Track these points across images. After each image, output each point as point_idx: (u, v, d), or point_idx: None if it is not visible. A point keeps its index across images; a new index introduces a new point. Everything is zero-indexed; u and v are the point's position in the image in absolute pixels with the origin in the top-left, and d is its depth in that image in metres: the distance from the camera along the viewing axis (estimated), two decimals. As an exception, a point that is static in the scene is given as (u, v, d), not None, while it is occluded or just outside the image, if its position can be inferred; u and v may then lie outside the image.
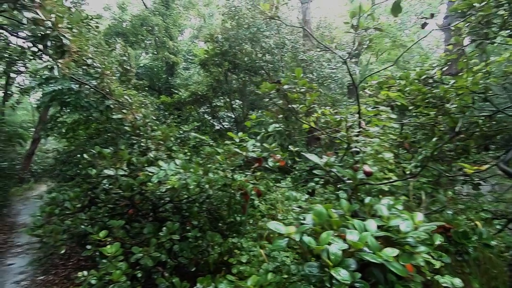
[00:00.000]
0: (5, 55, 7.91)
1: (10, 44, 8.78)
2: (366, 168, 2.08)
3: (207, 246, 3.07)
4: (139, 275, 2.81)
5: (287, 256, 3.23)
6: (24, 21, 5.14)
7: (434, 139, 3.37)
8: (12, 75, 9.80)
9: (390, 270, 1.54)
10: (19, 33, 6.57)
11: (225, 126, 10.40)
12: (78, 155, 9.05)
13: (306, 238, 1.47)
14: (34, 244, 7.16)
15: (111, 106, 5.41)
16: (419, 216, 1.83)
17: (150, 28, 11.89)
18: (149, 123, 4.46)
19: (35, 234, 3.08)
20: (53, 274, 5.48)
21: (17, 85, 12.00)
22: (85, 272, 2.47)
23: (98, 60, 4.53)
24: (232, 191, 3.29)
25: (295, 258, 3.27)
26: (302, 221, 1.74)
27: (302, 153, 3.72)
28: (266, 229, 4.10)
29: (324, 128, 3.05)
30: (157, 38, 12.71)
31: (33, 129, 20.31)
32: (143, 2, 15.74)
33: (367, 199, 2.02)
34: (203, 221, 3.43)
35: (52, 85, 11.84)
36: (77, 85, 11.96)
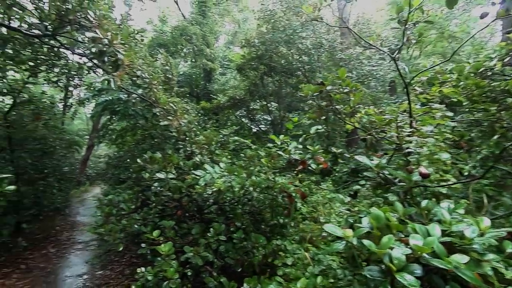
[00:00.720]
0: (65, 70, 8.81)
1: (69, 61, 9.81)
2: (422, 169, 1.96)
3: (252, 247, 3.12)
4: (189, 273, 2.94)
5: (333, 260, 3.16)
6: (80, 39, 5.75)
7: (495, 137, 3.07)
8: (70, 88, 10.87)
9: (455, 278, 1.44)
10: (76, 51, 7.31)
11: (262, 128, 10.51)
12: (128, 160, 9.79)
13: (367, 242, 1.43)
14: (92, 242, 7.88)
15: (157, 113, 5.76)
16: (486, 221, 1.68)
17: (188, 37, 12.48)
18: (193, 128, 4.68)
19: (97, 232, 3.38)
20: (109, 270, 5.97)
21: (75, 98, 13.33)
22: (143, 269, 2.66)
23: (145, 71, 4.87)
24: (274, 193, 3.32)
25: (341, 262, 3.20)
26: (357, 225, 1.69)
27: (345, 154, 3.63)
28: (308, 232, 4.06)
29: (369, 128, 2.94)
30: (195, 47, 13.27)
31: (88, 137, 22.39)
32: (182, 14, 16.59)
33: (424, 202, 1.90)
34: (246, 222, 3.49)
35: (104, 96, 12.96)
36: (125, 95, 12.94)
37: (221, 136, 6.69)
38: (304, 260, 3.11)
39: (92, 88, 14.45)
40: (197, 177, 3.01)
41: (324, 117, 3.75)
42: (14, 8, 5.25)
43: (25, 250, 6.84)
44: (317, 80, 3.78)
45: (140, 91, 4.88)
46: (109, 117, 15.76)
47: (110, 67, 3.47)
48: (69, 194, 13.44)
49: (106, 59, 3.33)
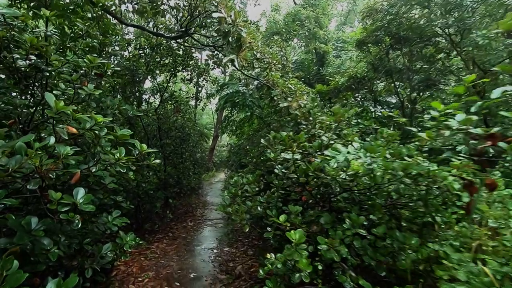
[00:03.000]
0: (196, 69, 10.01)
1: (198, 60, 11.18)
2: None
3: (398, 248, 2.45)
4: (320, 267, 2.56)
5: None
6: (203, 39, 6.26)
7: None
8: (200, 84, 12.37)
9: None
10: (204, 49, 8.04)
11: (392, 111, 9.03)
12: (247, 147, 10.45)
13: None
14: (220, 221, 8.80)
15: (275, 97, 5.63)
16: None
17: (301, 22, 12.10)
18: (315, 107, 4.26)
19: (226, 212, 3.45)
20: (235, 248, 6.39)
21: (204, 93, 15.21)
22: (273, 255, 2.47)
23: (264, 52, 4.77)
24: (430, 182, 2.50)
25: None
26: None
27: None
28: (475, 238, 3.00)
29: None
30: (308, 31, 12.78)
31: (213, 129, 25.66)
32: (294, 1, 16.35)
33: None
34: (386, 217, 2.81)
35: (225, 90, 14.25)
36: (243, 88, 13.77)
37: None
38: (483, 277, 2.21)
39: (216, 84, 16.14)
40: (327, 158, 2.56)
41: None
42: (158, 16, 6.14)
43: (171, 221, 8.21)
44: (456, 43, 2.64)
45: (257, 69, 4.80)
46: (230, 109, 17.39)
47: (234, 47, 3.46)
48: (201, 178, 15.56)
49: (230, 39, 3.32)
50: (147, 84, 12.37)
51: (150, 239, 6.67)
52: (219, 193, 15.18)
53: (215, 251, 6.30)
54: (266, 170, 5.49)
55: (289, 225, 2.72)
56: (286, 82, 5.49)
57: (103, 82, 7.21)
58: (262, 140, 3.44)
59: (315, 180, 2.88)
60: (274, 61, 4.73)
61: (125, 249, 3.30)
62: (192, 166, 10.22)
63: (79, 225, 1.84)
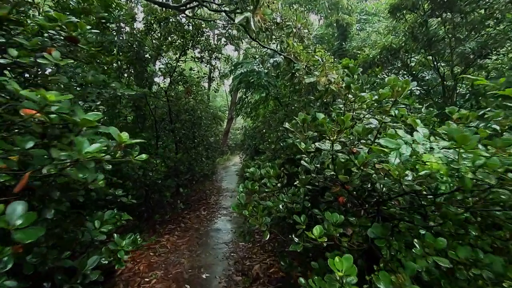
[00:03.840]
0: (207, 45, 9.18)
1: (210, 37, 10.29)
2: None
3: (491, 282, 1.69)
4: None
5: None
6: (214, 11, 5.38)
7: None
8: (213, 63, 11.54)
9: None
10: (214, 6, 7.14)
11: (424, 89, 7.93)
12: (263, 130, 9.71)
13: None
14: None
15: (297, 73, 4.79)
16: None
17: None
18: (354, 82, 3.39)
19: (242, 213, 2.78)
20: (251, 242, 5.81)
21: (217, 73, 14.38)
22: (303, 281, 1.79)
23: (285, 16, 3.89)
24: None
25: None
26: None
27: None
28: None
29: None
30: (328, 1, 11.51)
31: (227, 111, 24.94)
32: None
33: None
34: (462, 231, 2.03)
35: (239, 69, 13.34)
36: (259, 66, 12.80)
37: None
38: None
39: (230, 63, 15.23)
40: (384, 150, 1.78)
41: None
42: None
43: (184, 210, 7.74)
44: None
45: (275, 41, 3.96)
46: (244, 90, 16.52)
47: (250, 4, 2.65)
48: (215, 162, 15.06)
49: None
50: (157, 66, 11.69)
51: (161, 231, 6.20)
52: (234, 177, 14.67)
53: (229, 245, 5.75)
54: (286, 158, 4.75)
55: (326, 240, 2.00)
56: (311, 54, 4.60)
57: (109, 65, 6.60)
58: (286, 125, 2.67)
59: (360, 178, 2.11)
60: (299, 25, 3.85)
61: (119, 257, 2.72)
62: (205, 151, 9.61)
63: (10, 265, 1.20)
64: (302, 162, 2.77)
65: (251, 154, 12.74)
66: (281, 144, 4.92)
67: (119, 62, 7.12)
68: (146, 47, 7.60)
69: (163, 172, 5.53)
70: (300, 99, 6.13)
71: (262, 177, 3.48)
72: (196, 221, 7.13)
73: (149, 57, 7.68)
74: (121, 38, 7.22)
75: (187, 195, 8.13)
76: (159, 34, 8.74)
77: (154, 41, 7.83)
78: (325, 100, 4.07)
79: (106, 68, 6.27)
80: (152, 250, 5.38)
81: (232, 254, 5.31)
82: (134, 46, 6.67)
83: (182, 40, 8.08)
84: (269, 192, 3.17)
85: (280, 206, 2.98)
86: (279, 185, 3.05)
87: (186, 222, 6.94)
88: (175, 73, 8.77)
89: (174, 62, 8.82)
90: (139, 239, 3.20)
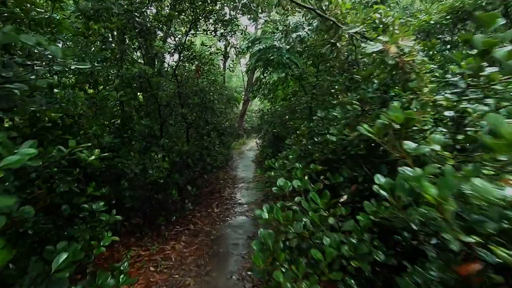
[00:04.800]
0: (223, 17, 7.87)
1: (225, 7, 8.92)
2: None
3: None
4: None
5: None
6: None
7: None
8: (228, 38, 10.23)
9: None
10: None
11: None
12: (286, 117, 8.49)
13: None
14: (252, 205, 7.28)
15: (339, 43, 3.54)
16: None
17: None
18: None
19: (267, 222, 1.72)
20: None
21: (233, 50, 12.99)
22: None
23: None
24: None
25: None
26: None
27: None
28: None
29: None
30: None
31: (243, 92, 23.63)
32: None
33: None
34: None
35: (257, 45, 11.92)
36: (279, 42, 11.34)
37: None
38: None
39: (247, 39, 13.79)
40: None
41: None
42: None
43: (194, 206, 6.84)
44: None
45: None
46: (262, 69, 15.10)
47: None
48: (230, 148, 14.06)
49: None
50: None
51: (166, 235, 5.30)
52: (250, 164, 13.67)
53: (246, 258, 4.78)
54: (324, 159, 3.58)
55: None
56: (365, 12, 3.28)
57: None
58: (379, 121, 1.49)
59: None
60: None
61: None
62: (219, 140, 8.54)
63: None
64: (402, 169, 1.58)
65: (270, 141, 11.59)
66: (315, 139, 3.74)
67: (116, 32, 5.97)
68: (149, 18, 6.42)
69: (166, 168, 4.52)
70: (338, 79, 4.85)
71: (292, 194, 2.38)
72: (208, 221, 6.20)
73: (153, 28, 6.50)
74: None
75: (196, 194, 7.17)
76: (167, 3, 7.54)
77: (159, 9, 6.62)
78: (387, 81, 2.84)
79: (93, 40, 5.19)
80: (153, 262, 4.49)
81: (249, 273, 4.32)
82: (134, 12, 5.50)
83: (192, 8, 6.83)
84: (309, 230, 2.03)
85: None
86: (330, 220, 1.90)
87: (195, 223, 6.02)
88: (184, 49, 7.59)
89: (183, 35, 7.61)
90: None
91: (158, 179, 4.32)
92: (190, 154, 5.97)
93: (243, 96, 22.04)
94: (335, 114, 3.26)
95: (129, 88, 5.06)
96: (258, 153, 15.50)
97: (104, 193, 3.02)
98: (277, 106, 12.33)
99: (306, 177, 2.69)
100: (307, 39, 9.06)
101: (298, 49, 8.11)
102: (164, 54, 8.92)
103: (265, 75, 14.89)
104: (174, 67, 7.29)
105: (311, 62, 8.46)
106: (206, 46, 7.68)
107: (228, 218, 6.50)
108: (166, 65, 8.42)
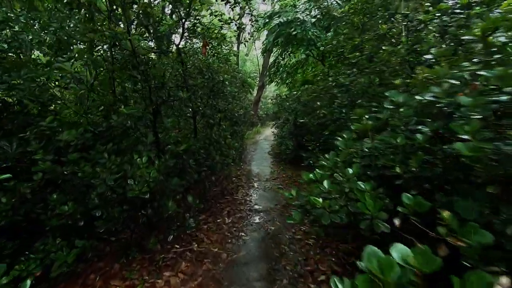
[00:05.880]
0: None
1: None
2: None
3: None
4: None
5: None
6: None
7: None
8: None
9: None
10: None
11: None
12: (314, 106, 6.81)
13: None
14: (272, 212, 5.83)
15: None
16: None
17: None
18: None
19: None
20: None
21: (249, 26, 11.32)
22: None
23: None
24: None
25: None
26: None
27: None
28: None
29: None
30: None
31: (257, 78, 21.91)
32: None
33: None
34: None
35: (276, 19, 10.19)
36: (304, 14, 9.52)
37: None
38: None
39: (263, 14, 12.07)
40: None
41: None
42: None
43: (200, 213, 5.50)
44: None
45: None
46: (280, 50, 13.33)
47: None
48: (243, 139, 12.60)
49: None
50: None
51: (160, 260, 3.98)
52: (265, 157, 12.22)
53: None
54: (379, 174, 2.07)
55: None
56: None
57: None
58: None
59: None
60: None
61: None
62: (231, 130, 7.07)
63: None
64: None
65: (290, 132, 10.02)
66: (395, 141, 2.21)
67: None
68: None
69: (155, 178, 3.14)
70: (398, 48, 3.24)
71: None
72: (216, 237, 4.84)
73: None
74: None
75: (203, 197, 5.82)
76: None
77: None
78: None
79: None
80: (137, 309, 3.18)
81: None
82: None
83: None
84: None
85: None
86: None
87: (201, 240, 4.68)
88: (188, 20, 6.08)
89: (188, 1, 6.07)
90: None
91: (141, 195, 2.93)
92: (193, 152, 4.55)
93: (257, 82, 20.36)
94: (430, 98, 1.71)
95: (106, 63, 3.63)
96: (275, 144, 13.98)
97: (67, 212, 1.74)
98: (297, 91, 10.63)
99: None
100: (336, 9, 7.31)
101: (334, 13, 6.43)
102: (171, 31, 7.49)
103: (283, 55, 13.15)
104: (177, 44, 5.82)
105: (345, 32, 6.71)
106: (216, 15, 6.08)
107: (243, 231, 5.13)
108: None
